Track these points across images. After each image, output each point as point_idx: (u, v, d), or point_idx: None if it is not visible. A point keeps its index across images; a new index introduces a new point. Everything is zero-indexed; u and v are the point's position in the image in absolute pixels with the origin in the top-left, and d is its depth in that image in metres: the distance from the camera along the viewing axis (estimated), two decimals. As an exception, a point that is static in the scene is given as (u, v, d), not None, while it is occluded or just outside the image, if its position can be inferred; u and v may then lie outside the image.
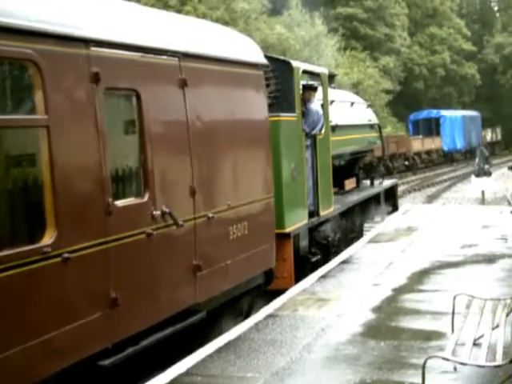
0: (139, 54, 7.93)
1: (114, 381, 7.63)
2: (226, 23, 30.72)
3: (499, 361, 6.74)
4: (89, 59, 7.12)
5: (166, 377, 7.87)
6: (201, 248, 8.73)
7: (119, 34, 7.74)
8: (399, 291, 11.18)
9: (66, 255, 6.69)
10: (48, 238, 6.61)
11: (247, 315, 10.48)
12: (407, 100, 67.38)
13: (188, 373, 8.03)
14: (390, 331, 9.22)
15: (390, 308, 10.31)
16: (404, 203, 26.98)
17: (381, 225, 18.53)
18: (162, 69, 8.35)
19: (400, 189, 29.30)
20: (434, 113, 60.56)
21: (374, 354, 8.31)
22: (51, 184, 6.64)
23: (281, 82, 12.46)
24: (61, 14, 7.02)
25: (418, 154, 52.98)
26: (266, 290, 11.11)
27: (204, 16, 32.01)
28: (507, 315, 7.80)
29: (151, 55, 8.12)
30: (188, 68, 8.68)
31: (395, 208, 20.62)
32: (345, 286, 11.76)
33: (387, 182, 20.14)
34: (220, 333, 9.45)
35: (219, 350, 8.65)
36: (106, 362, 7.22)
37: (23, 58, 6.51)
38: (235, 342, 8.94)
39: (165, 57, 8.36)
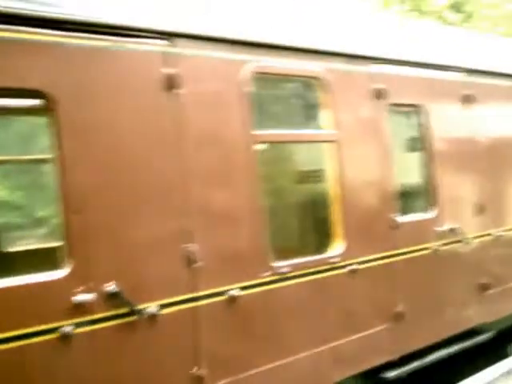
0: (422, 70, 8.32)
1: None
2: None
3: None
4: (372, 76, 7.61)
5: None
6: (488, 266, 8.80)
7: (401, 51, 8.20)
8: None
9: (353, 266, 7.14)
10: (336, 249, 7.08)
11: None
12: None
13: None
14: None
15: None
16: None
17: None
18: (446, 85, 8.67)
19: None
20: None
21: None
22: (339, 197, 7.15)
23: None
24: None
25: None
26: None
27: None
28: None
29: (435, 71, 8.51)
30: (473, 84, 8.96)
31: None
32: None
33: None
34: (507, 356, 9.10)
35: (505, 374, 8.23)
36: (391, 374, 7.51)
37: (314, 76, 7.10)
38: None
39: (449, 73, 8.73)
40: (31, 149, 8.87)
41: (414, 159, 8.51)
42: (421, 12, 25.84)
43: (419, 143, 8.45)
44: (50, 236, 8.34)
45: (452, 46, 9.33)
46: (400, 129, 8.40)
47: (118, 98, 5.52)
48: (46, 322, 4.94)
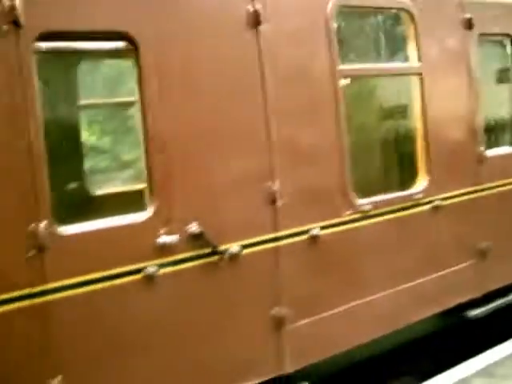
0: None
1: (481, 333, 7.79)
2: None
3: None
4: (462, 6, 7.45)
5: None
6: None
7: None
8: None
9: (437, 202, 7.10)
10: (420, 186, 7.04)
11: None
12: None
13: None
14: None
15: None
16: None
17: None
18: None
19: None
20: None
21: None
22: (423, 132, 7.04)
23: None
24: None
25: None
26: None
27: None
28: None
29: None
30: None
31: None
32: None
33: None
34: None
35: None
36: (475, 312, 7.53)
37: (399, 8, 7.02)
38: None
39: None
40: (117, 92, 8.96)
41: (503, 91, 8.26)
42: None
43: (508, 75, 8.19)
44: (135, 178, 8.45)
45: None
46: (489, 60, 8.15)
47: (201, 37, 5.49)
48: (131, 264, 5.04)
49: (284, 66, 5.97)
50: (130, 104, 7.70)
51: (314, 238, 6.10)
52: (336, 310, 6.29)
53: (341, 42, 6.44)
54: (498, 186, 7.78)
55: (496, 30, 7.98)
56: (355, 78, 7.13)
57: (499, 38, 8.16)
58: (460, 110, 7.47)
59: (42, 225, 4.60)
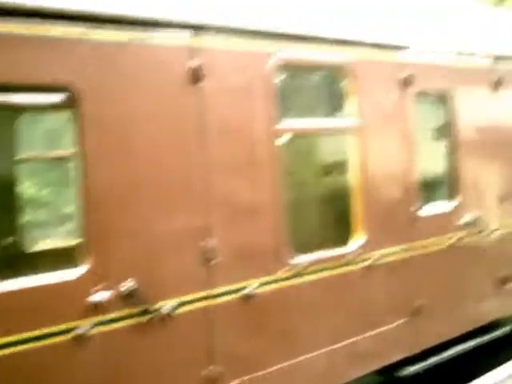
0: (449, 57, 8.18)
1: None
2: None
3: None
4: (400, 65, 7.54)
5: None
6: (509, 259, 8.60)
7: (428, 39, 8.07)
8: None
9: (372, 260, 7.11)
10: (355, 243, 7.04)
11: None
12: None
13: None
14: None
15: None
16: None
17: None
18: (473, 72, 8.51)
19: None
20: None
21: None
22: (360, 189, 7.08)
23: None
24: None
25: None
26: None
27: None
28: None
29: (462, 58, 8.37)
30: (502, 70, 8.75)
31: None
32: None
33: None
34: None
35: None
36: (407, 371, 7.47)
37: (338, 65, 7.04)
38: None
39: (476, 59, 8.56)
40: (56, 145, 8.91)
41: (439, 148, 8.38)
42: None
43: (444, 132, 8.32)
44: (71, 234, 8.34)
45: (481, 29, 9.13)
46: (426, 117, 8.27)
47: (141, 92, 5.48)
48: (62, 323, 4.93)
49: (223, 121, 5.99)
50: (68, 157, 7.60)
51: (249, 296, 6.07)
52: (271, 369, 6.24)
53: (280, 98, 6.46)
54: (431, 244, 7.83)
55: (433, 88, 8.11)
56: (294, 134, 7.16)
57: (436, 96, 8.30)
58: (396, 168, 7.54)
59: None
